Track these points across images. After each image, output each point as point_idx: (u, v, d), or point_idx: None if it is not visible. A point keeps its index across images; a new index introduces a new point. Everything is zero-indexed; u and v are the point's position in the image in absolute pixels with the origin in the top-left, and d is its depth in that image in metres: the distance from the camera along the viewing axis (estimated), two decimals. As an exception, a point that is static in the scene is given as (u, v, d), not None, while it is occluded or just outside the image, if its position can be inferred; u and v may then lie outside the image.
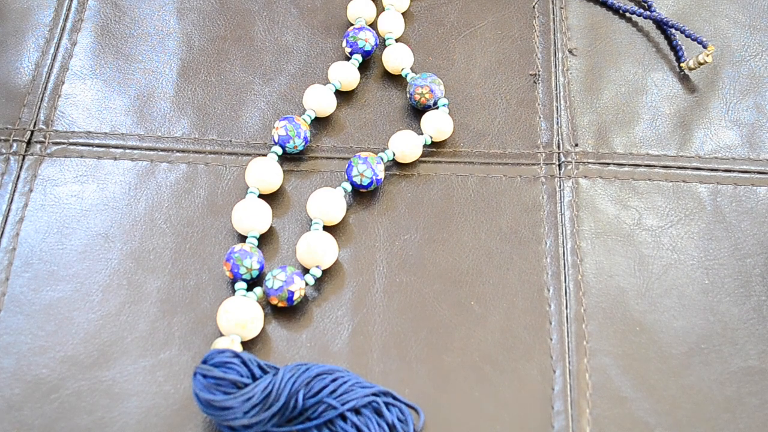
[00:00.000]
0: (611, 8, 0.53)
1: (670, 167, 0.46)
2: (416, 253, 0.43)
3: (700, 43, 0.49)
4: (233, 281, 0.41)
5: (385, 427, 0.37)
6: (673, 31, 0.51)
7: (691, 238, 0.44)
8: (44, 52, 0.49)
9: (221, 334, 0.40)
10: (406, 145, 0.45)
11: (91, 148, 0.46)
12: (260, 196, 0.44)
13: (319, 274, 0.42)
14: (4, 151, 0.46)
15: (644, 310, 0.42)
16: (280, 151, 0.45)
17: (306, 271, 0.42)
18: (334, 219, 0.43)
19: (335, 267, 0.43)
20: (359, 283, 0.42)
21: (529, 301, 0.42)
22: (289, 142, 0.45)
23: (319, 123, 0.48)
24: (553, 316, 0.41)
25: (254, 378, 0.37)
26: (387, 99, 0.49)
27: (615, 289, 0.42)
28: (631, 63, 0.50)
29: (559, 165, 0.46)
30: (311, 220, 0.43)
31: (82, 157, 0.46)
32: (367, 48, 0.49)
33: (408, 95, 0.48)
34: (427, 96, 0.47)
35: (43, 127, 0.47)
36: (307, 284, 0.41)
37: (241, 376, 0.36)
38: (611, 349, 0.40)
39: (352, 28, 0.50)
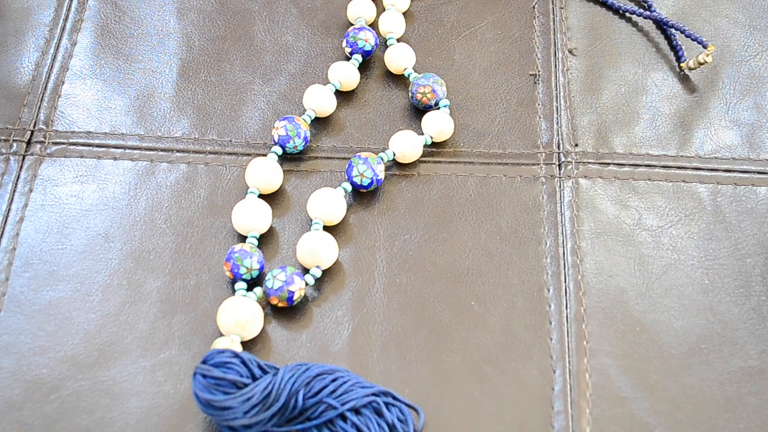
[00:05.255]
0: (611, 8, 0.53)
1: (670, 167, 0.46)
2: (416, 253, 0.43)
3: (700, 43, 0.49)
4: (233, 281, 0.41)
5: (385, 427, 0.37)
6: (673, 31, 0.51)
7: (691, 238, 0.44)
8: (44, 52, 0.49)
9: (221, 334, 0.40)
10: (406, 145, 0.45)
11: (91, 148, 0.46)
12: (260, 196, 0.44)
13: (319, 274, 0.42)
14: (4, 151, 0.46)
15: (644, 310, 0.42)
16: (280, 151, 0.45)
17: (306, 271, 0.42)
18: (334, 219, 0.43)
19: (335, 267, 0.43)
20: (359, 283, 0.42)
21: (529, 301, 0.42)
22: (289, 142, 0.45)
23: (319, 123, 0.48)
24: (553, 316, 0.41)
25: (254, 378, 0.37)
26: (387, 99, 0.49)
27: (615, 289, 0.42)
28: (631, 63, 0.50)
29: (559, 165, 0.46)
30: (311, 220, 0.43)
31: (82, 157, 0.46)
32: (367, 48, 0.49)
33: (410, 94, 0.48)
34: (429, 96, 0.47)
35: (43, 127, 0.47)
36: (307, 284, 0.41)
37: (241, 376, 0.36)
38: (611, 349, 0.40)
39: (352, 28, 0.50)
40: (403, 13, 0.52)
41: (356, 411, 0.37)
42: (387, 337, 0.41)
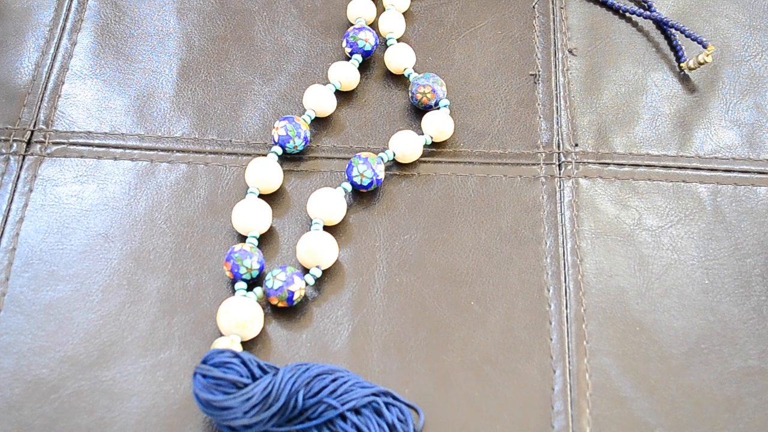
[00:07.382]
0: (611, 8, 0.53)
1: (670, 167, 0.46)
2: (416, 253, 0.43)
3: (700, 43, 0.49)
4: (233, 281, 0.41)
5: (385, 427, 0.37)
6: (673, 31, 0.51)
7: (691, 238, 0.44)
8: (44, 52, 0.49)
9: (221, 334, 0.40)
10: (406, 145, 0.45)
11: (91, 148, 0.46)
12: (260, 196, 0.44)
13: (319, 274, 0.42)
14: (4, 151, 0.46)
15: (644, 310, 0.42)
16: (280, 151, 0.45)
17: (306, 271, 0.42)
18: (334, 219, 0.43)
19: (335, 267, 0.43)
20: (359, 283, 0.42)
21: (529, 301, 0.42)
22: (289, 142, 0.45)
23: (319, 123, 0.48)
24: (553, 316, 0.41)
25: (254, 378, 0.37)
26: (387, 99, 0.49)
27: (615, 289, 0.42)
28: (631, 63, 0.50)
29: (559, 165, 0.46)
30: (311, 220, 0.43)
31: (82, 157, 0.46)
32: (367, 48, 0.49)
33: (410, 94, 0.48)
34: (428, 96, 0.47)
35: (43, 127, 0.47)
36: (307, 284, 0.41)
37: (241, 376, 0.36)
38: (611, 349, 0.40)
39: (352, 28, 0.50)
40: (403, 13, 0.52)
41: (356, 411, 0.37)
42: (387, 337, 0.41)
